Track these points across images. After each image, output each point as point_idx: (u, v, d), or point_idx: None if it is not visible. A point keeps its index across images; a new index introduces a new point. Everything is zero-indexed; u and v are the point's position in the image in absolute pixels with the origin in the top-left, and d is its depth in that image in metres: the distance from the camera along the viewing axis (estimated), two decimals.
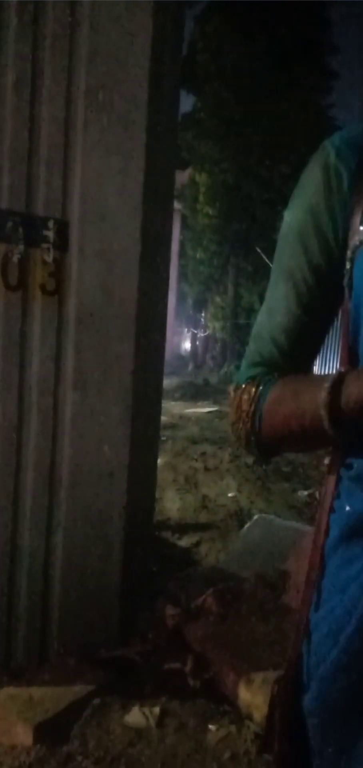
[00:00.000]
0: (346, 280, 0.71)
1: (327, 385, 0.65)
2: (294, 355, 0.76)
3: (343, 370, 0.67)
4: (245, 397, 0.75)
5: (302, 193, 0.75)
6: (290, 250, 0.76)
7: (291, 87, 15.87)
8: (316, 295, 0.74)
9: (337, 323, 0.77)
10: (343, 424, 0.65)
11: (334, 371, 0.67)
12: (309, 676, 0.69)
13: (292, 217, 0.76)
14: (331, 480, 0.72)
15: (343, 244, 0.71)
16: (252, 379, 0.76)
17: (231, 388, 0.78)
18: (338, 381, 0.65)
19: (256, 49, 15.63)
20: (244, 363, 0.79)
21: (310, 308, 0.75)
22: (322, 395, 0.65)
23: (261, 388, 0.74)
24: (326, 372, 0.82)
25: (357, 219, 0.70)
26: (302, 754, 0.69)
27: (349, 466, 0.70)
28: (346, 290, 0.71)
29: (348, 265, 0.70)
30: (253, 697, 2.12)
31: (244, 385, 0.76)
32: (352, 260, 0.70)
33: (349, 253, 0.70)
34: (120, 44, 2.17)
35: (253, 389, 0.75)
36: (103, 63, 2.17)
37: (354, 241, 0.70)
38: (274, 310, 0.77)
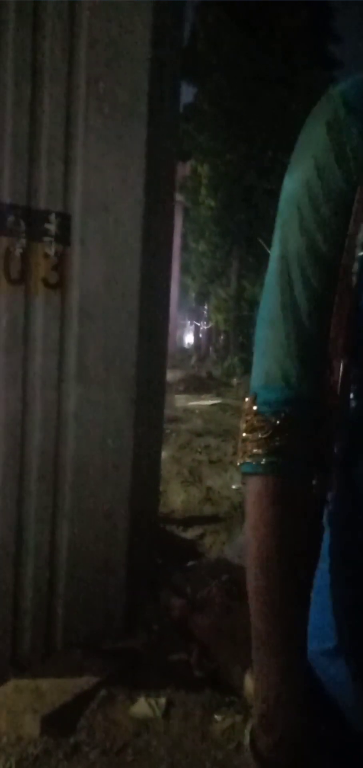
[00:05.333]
0: (356, 268, 0.60)
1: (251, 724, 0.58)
2: (311, 357, 0.63)
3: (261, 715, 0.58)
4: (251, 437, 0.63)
5: (304, 149, 0.64)
6: (295, 223, 0.63)
7: (293, 76, 15.77)
8: (332, 271, 0.62)
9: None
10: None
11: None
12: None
13: (294, 176, 0.65)
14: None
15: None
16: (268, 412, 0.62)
17: (247, 403, 0.65)
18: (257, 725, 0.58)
19: (258, 38, 15.52)
20: (269, 369, 0.64)
21: (324, 299, 0.62)
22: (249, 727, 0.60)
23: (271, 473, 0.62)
24: None
25: None
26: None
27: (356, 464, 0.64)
28: (354, 278, 0.60)
29: (360, 251, 0.59)
30: None
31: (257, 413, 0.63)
32: None
33: (360, 236, 0.59)
34: (120, 35, 2.16)
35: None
36: (103, 54, 2.15)
37: None
38: (292, 273, 0.64)
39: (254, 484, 0.62)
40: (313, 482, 0.63)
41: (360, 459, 0.63)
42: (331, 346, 0.62)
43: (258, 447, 0.61)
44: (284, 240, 0.65)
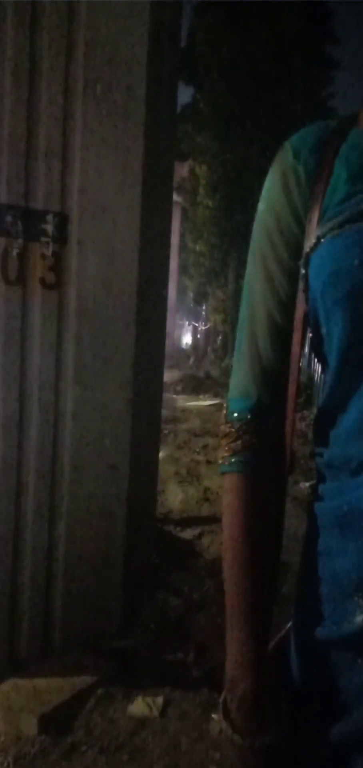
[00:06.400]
0: (301, 286, 0.68)
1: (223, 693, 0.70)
2: (278, 363, 0.73)
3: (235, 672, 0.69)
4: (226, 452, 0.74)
5: (267, 193, 0.74)
6: (261, 246, 0.74)
7: (291, 77, 15.78)
8: (291, 295, 0.71)
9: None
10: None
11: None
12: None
13: (259, 215, 0.75)
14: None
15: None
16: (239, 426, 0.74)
17: (223, 418, 0.76)
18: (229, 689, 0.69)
19: (256, 39, 15.53)
20: (237, 385, 0.75)
21: (287, 309, 0.72)
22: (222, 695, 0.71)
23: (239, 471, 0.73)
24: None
25: (314, 220, 0.67)
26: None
27: (320, 455, 0.72)
28: (301, 295, 0.69)
29: (303, 270, 0.67)
30: None
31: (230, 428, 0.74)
32: (306, 263, 0.67)
33: (307, 246, 0.67)
34: (118, 37, 2.17)
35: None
36: (101, 56, 2.16)
37: (310, 242, 0.67)
38: (255, 314, 0.74)
39: (225, 481, 0.74)
40: (273, 475, 0.73)
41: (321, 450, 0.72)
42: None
43: (228, 449, 0.73)
44: (251, 274, 0.76)
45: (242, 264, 18.00)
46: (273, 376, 0.73)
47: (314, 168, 0.69)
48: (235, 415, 0.73)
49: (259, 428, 0.72)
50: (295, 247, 0.70)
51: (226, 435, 0.74)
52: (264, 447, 0.72)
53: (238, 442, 0.72)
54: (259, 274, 0.74)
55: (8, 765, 1.82)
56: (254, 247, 0.75)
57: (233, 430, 0.73)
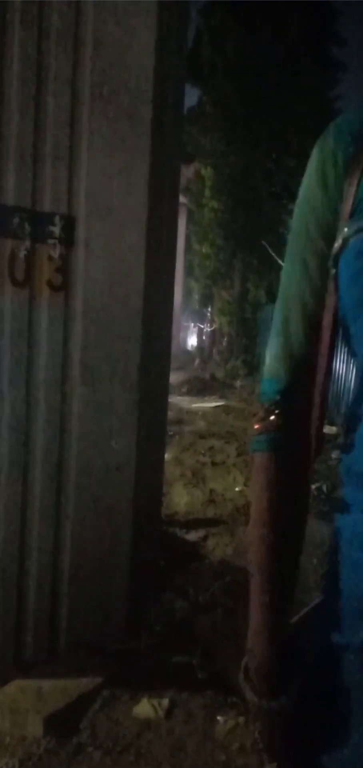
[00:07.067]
0: (332, 284, 0.69)
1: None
2: (308, 351, 0.74)
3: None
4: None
5: (306, 178, 0.73)
6: (298, 231, 0.74)
7: (297, 79, 15.77)
8: (325, 282, 0.71)
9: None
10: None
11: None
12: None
13: (298, 200, 0.75)
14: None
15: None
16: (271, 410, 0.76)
17: (256, 397, 0.79)
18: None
19: (261, 41, 15.53)
20: (269, 366, 0.77)
21: (321, 296, 0.72)
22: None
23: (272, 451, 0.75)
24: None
25: (347, 209, 0.66)
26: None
27: (343, 460, 0.72)
28: (331, 284, 0.69)
29: (332, 262, 0.68)
30: None
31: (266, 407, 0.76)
32: (337, 256, 0.67)
33: (335, 246, 0.67)
34: (125, 39, 2.17)
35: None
36: (107, 58, 2.16)
37: (338, 242, 0.66)
38: (289, 300, 0.75)
39: (255, 458, 0.76)
40: (299, 457, 0.75)
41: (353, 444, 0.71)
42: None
43: (257, 428, 0.76)
44: (288, 257, 0.76)
45: (247, 266, 17.99)
46: (302, 361, 0.74)
47: (352, 156, 0.67)
48: (265, 395, 0.76)
49: (287, 409, 0.74)
50: (330, 234, 0.69)
51: (255, 414, 0.77)
52: (291, 428, 0.74)
53: (267, 422, 0.74)
54: (295, 258, 0.74)
55: (14, 766, 1.83)
56: (292, 231, 0.76)
57: (262, 409, 0.75)
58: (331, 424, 8.69)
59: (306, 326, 0.73)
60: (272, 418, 0.74)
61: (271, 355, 0.77)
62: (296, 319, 0.74)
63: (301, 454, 0.75)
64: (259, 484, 0.74)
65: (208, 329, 22.89)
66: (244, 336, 18.60)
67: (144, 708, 2.07)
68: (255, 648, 0.74)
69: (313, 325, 0.73)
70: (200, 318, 24.38)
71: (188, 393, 11.83)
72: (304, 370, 0.74)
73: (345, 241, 0.65)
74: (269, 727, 0.74)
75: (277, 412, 0.74)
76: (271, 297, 17.38)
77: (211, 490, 4.99)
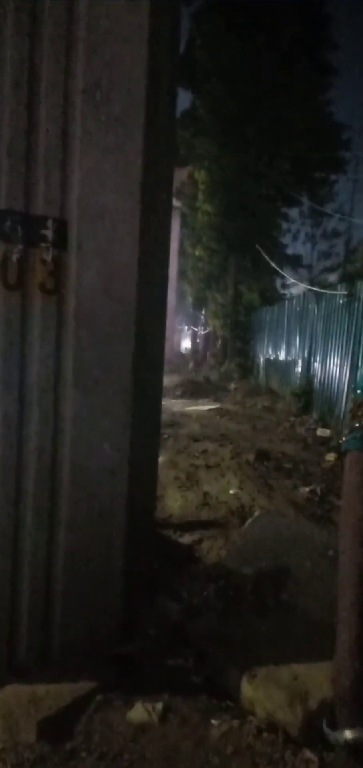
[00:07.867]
0: None
1: None
2: None
3: None
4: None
5: None
6: None
7: (289, 83, 15.84)
8: None
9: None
10: None
11: None
12: None
13: None
14: None
15: None
16: None
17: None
18: None
19: (254, 44, 15.60)
20: None
21: None
22: None
23: None
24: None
25: None
26: None
27: None
28: None
29: None
30: (255, 692, 2.13)
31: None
32: None
33: None
34: (117, 43, 2.17)
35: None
36: (100, 62, 2.17)
37: None
38: None
39: (346, 460, 0.72)
40: None
41: None
42: None
43: (348, 426, 0.72)
44: None
45: (241, 268, 18.03)
46: None
47: None
48: (358, 392, 0.77)
49: None
50: None
51: (350, 411, 0.78)
52: None
53: (357, 419, 0.75)
54: None
55: None
56: None
57: (355, 406, 0.76)
58: (325, 426, 8.71)
59: None
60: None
61: None
62: None
63: None
64: (350, 486, 0.72)
65: (202, 332, 22.90)
66: (237, 339, 18.63)
67: (138, 712, 2.07)
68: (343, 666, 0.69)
69: None
70: (194, 321, 24.40)
71: (182, 396, 11.84)
72: None
73: None
74: None
75: None
76: (265, 300, 17.43)
77: (206, 493, 4.99)
